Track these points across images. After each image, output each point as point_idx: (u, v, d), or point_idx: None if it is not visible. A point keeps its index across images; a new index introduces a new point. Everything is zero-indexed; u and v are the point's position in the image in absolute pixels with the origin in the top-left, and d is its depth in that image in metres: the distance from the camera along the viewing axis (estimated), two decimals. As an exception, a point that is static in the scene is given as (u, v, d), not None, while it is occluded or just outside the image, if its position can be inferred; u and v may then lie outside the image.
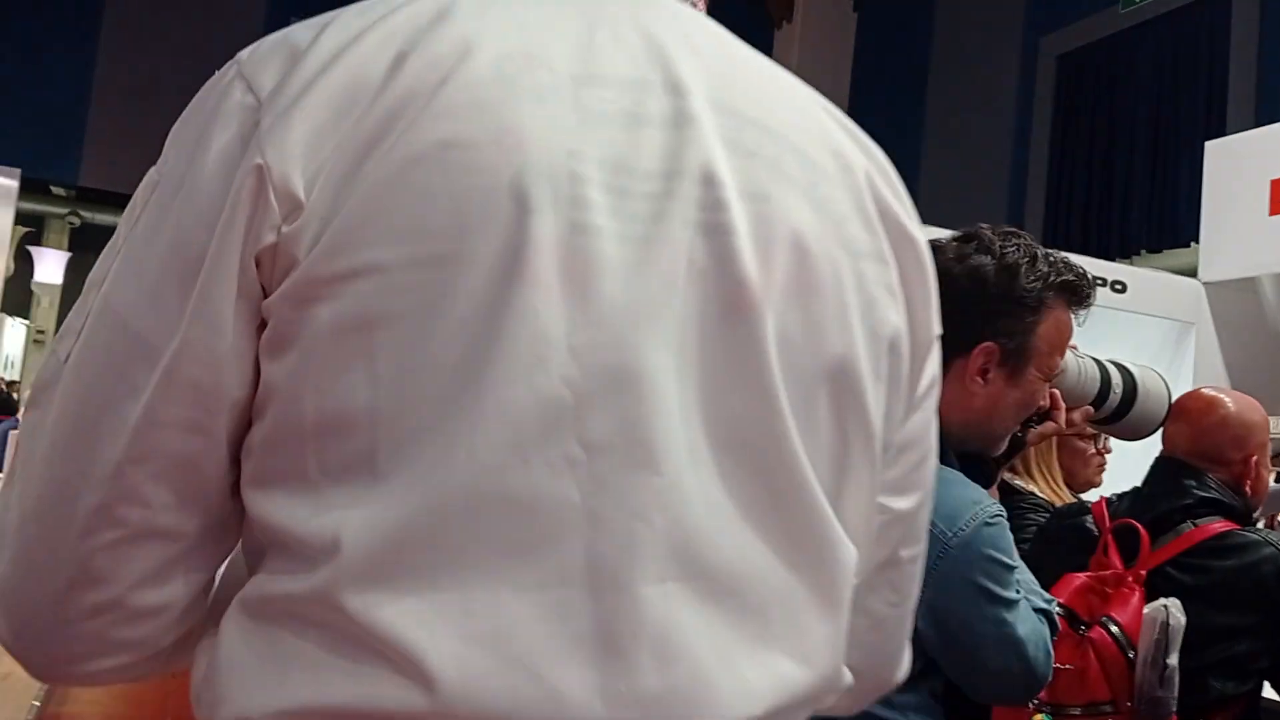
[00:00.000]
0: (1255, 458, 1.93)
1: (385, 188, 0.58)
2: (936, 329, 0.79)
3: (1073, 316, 1.40)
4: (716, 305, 0.63)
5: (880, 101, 9.83)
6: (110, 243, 0.66)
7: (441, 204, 0.59)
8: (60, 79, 9.34)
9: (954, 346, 1.31)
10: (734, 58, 0.74)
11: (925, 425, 0.79)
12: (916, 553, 0.81)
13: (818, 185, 0.69)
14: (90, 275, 0.67)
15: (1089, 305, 1.40)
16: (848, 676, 0.71)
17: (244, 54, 0.66)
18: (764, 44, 10.29)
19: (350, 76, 0.60)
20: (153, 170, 0.66)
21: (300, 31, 0.64)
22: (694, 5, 0.78)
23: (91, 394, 0.62)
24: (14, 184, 8.01)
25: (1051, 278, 1.36)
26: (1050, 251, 1.40)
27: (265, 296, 0.60)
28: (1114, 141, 7.36)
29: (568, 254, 0.60)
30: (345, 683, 0.57)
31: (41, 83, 9.25)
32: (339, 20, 0.64)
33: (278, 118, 0.60)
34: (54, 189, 10.65)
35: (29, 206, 8.40)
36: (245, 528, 0.66)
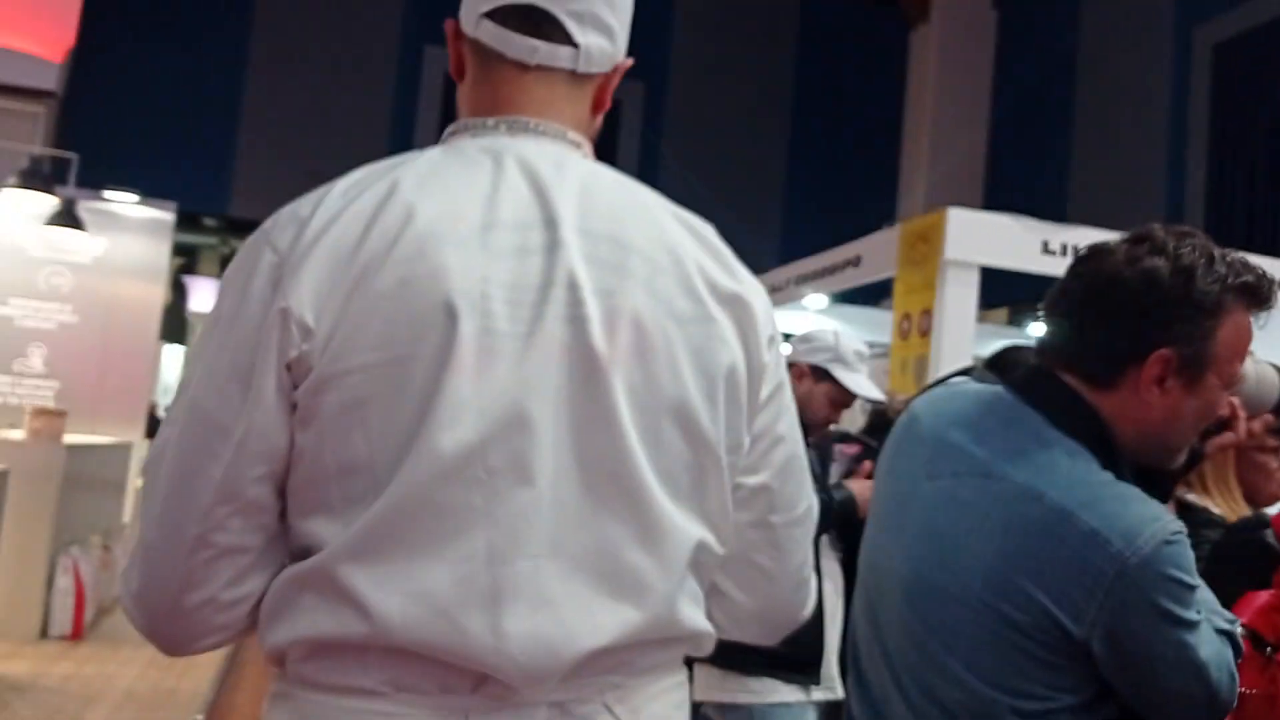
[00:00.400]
0: None
1: (365, 315, 0.91)
2: (766, 357, 1.06)
3: (1253, 320, 1.30)
4: (580, 371, 0.95)
5: (1025, 99, 9.53)
6: (189, 353, 0.95)
7: (400, 323, 0.92)
8: (211, 117, 9.82)
9: (1128, 355, 1.25)
10: (600, 189, 1.03)
11: (772, 420, 1.08)
12: (789, 519, 1.10)
13: (654, 278, 0.99)
14: (181, 378, 0.99)
15: (1270, 307, 1.30)
16: (696, 623, 1.01)
17: (268, 224, 0.98)
18: (899, 47, 10.11)
19: (335, 243, 0.93)
20: (214, 307, 0.97)
21: (303, 206, 0.97)
22: (578, 147, 1.08)
23: (189, 460, 0.94)
24: (170, 217, 8.45)
25: (1230, 279, 1.26)
26: (1227, 251, 1.30)
27: (295, 389, 0.93)
28: (1278, 132, 6.96)
29: (479, 348, 0.92)
30: (325, 620, 0.93)
31: (194, 121, 9.75)
32: (327, 200, 0.97)
33: (292, 271, 0.93)
34: (206, 220, 11.17)
35: (184, 238, 8.83)
36: (289, 539, 0.98)
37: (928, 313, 4.92)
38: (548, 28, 1.05)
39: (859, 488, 2.77)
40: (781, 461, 1.09)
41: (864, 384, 2.87)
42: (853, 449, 3.06)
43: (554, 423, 0.94)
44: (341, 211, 0.95)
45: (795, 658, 2.64)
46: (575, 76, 1.08)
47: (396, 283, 0.92)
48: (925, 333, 4.90)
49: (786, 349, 2.95)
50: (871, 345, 6.92)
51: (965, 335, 4.81)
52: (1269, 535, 1.83)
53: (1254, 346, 1.36)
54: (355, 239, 0.93)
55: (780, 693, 2.64)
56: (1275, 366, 1.73)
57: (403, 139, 10.25)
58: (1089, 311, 1.28)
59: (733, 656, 2.62)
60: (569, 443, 0.94)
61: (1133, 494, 1.23)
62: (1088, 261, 1.31)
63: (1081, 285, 1.29)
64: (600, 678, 0.97)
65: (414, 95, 10.34)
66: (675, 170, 10.89)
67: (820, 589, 2.72)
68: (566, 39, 1.06)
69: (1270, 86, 7.14)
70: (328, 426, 0.92)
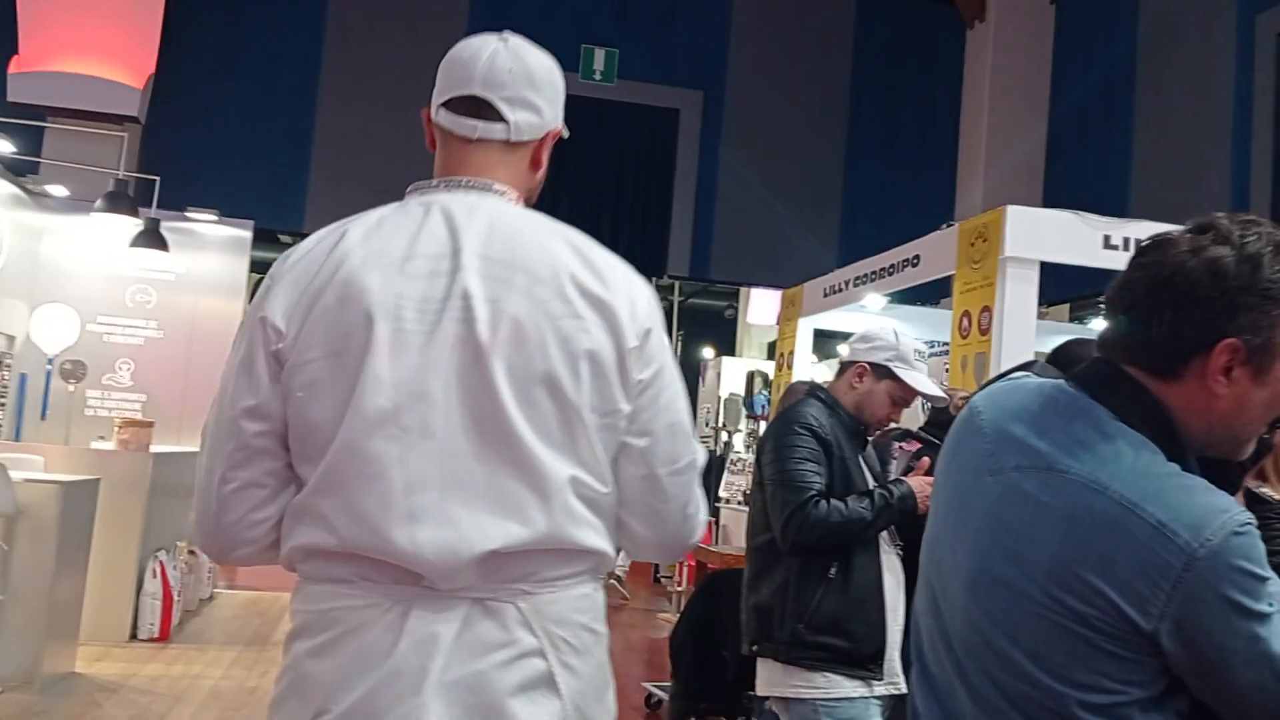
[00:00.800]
0: None
1: (315, 323, 1.35)
2: (633, 344, 1.40)
3: None
4: (468, 356, 1.34)
5: (1084, 94, 9.44)
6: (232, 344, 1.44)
7: (337, 328, 1.35)
8: (284, 138, 10.09)
9: (1193, 345, 1.24)
10: (502, 224, 1.42)
11: (653, 396, 1.44)
12: (672, 470, 1.46)
13: (533, 287, 1.37)
14: (224, 368, 1.43)
15: None
16: (587, 536, 1.39)
17: (278, 260, 1.45)
18: (956, 45, 10.08)
19: (299, 274, 1.39)
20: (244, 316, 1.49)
21: (291, 249, 1.44)
22: (502, 195, 1.48)
23: (220, 426, 1.41)
24: (248, 234, 8.73)
25: None
26: None
27: (281, 372, 1.37)
28: (1348, 119, 6.82)
29: (392, 343, 1.33)
30: (310, 535, 1.37)
31: (269, 142, 10.03)
32: (302, 244, 1.43)
33: (269, 291, 1.40)
34: (282, 237, 11.46)
35: (261, 254, 9.09)
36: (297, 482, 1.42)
37: (987, 310, 4.93)
38: (486, 111, 1.50)
39: (918, 484, 2.77)
40: (663, 427, 1.45)
41: (925, 382, 2.89)
42: (912, 446, 3.11)
43: (446, 393, 1.34)
44: (307, 252, 1.42)
45: (858, 652, 2.68)
46: (509, 144, 1.51)
47: (336, 301, 1.36)
48: (985, 330, 4.92)
49: (845, 349, 3.01)
50: (930, 344, 6.92)
51: (1026, 332, 4.81)
52: None
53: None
54: (313, 271, 1.39)
55: (844, 687, 2.67)
56: None
57: (466, 152, 10.44)
58: (1152, 303, 1.26)
59: (796, 652, 2.68)
60: (459, 406, 1.35)
61: (1199, 485, 1.21)
62: (1150, 252, 1.29)
63: (1144, 276, 1.28)
64: (511, 585, 1.36)
65: (476, 109, 10.54)
66: (735, 173, 10.96)
67: (881, 584, 2.75)
68: (500, 118, 1.50)
69: (1338, 74, 7.01)
70: (296, 400, 1.37)
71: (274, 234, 11.20)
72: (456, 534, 1.32)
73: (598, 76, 10.64)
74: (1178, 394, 1.27)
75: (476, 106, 1.50)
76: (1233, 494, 1.35)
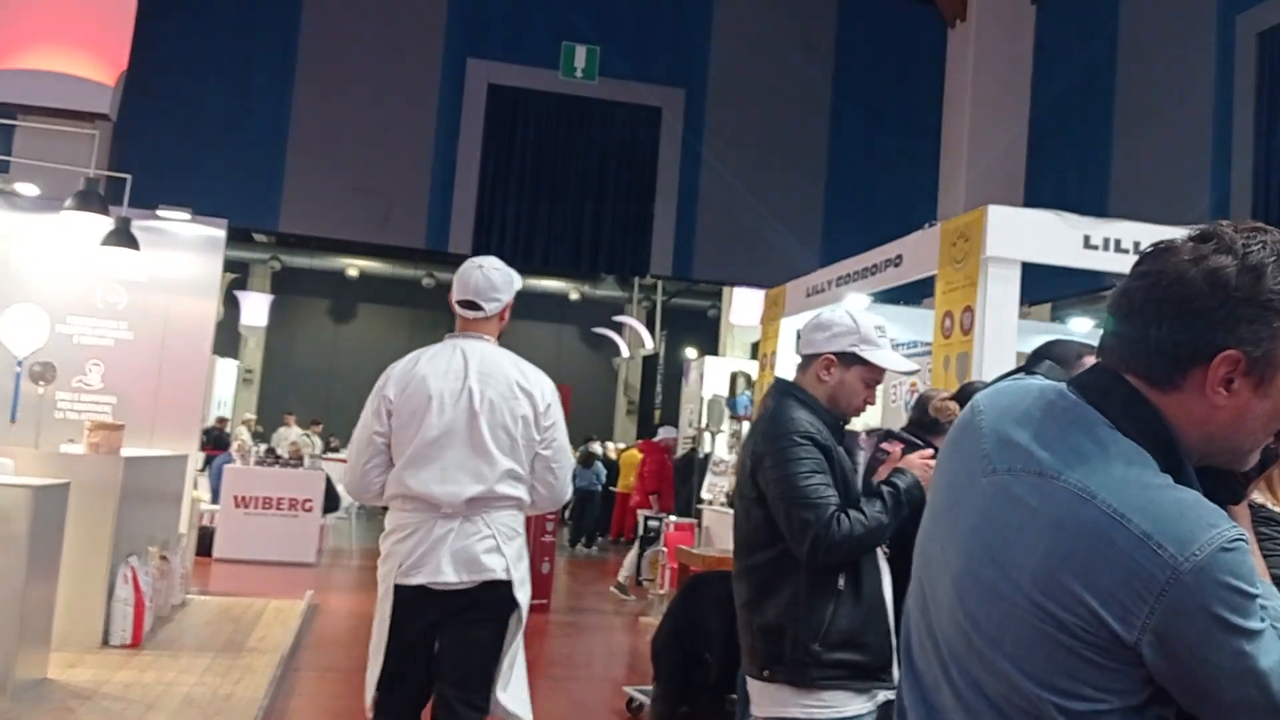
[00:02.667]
0: None
1: (405, 399, 3.31)
2: (542, 409, 3.35)
3: None
4: (470, 416, 3.28)
5: (1065, 94, 9.44)
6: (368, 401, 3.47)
7: (415, 402, 3.30)
8: (259, 136, 9.99)
9: (1193, 356, 1.22)
10: (486, 357, 3.34)
11: (551, 434, 3.37)
12: (558, 464, 3.38)
13: (499, 385, 3.31)
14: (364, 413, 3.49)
15: None
16: (513, 491, 3.30)
17: (391, 366, 3.55)
18: (938, 44, 10.07)
19: (399, 376, 3.37)
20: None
21: (395, 364, 3.44)
22: (487, 340, 3.38)
23: (361, 438, 3.39)
24: (222, 234, 8.62)
25: None
26: None
27: (390, 417, 3.37)
28: (1328, 119, 6.83)
29: (437, 409, 3.29)
30: (397, 487, 3.33)
31: (243, 140, 9.93)
32: (400, 362, 3.43)
33: (387, 381, 3.40)
34: (256, 236, 11.36)
35: (235, 254, 8.98)
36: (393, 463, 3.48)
37: (969, 310, 4.90)
38: (477, 303, 3.38)
39: (919, 468, 2.71)
40: (554, 447, 3.35)
41: (894, 358, 2.79)
42: (895, 447, 3.02)
43: (460, 432, 3.24)
44: (402, 366, 3.38)
45: (872, 665, 2.59)
46: (488, 316, 3.39)
47: (414, 390, 3.28)
48: (967, 330, 4.89)
49: (800, 339, 2.88)
50: (913, 344, 6.88)
51: (1007, 332, 4.79)
52: None
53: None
54: (405, 375, 3.32)
55: (852, 706, 2.57)
56: None
57: (446, 153, 10.37)
58: (1152, 311, 1.25)
59: (812, 674, 2.56)
60: (464, 437, 3.25)
61: (1190, 499, 1.20)
62: (1151, 260, 1.27)
63: (1144, 285, 1.26)
64: (479, 510, 3.25)
65: (457, 109, 10.45)
66: (717, 172, 10.92)
67: (883, 589, 2.67)
68: (482, 308, 3.38)
69: (1318, 74, 7.01)
70: (396, 432, 3.30)
71: (248, 233, 11.10)
72: (457, 488, 3.23)
73: (579, 74, 10.58)
74: (1177, 404, 1.25)
75: (473, 303, 3.38)
76: (1237, 503, 1.32)
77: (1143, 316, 1.26)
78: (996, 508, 1.29)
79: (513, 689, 3.34)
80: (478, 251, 10.91)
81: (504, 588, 3.23)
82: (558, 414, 3.34)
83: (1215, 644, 1.15)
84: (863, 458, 2.93)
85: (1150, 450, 1.23)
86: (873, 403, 2.83)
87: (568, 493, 3.39)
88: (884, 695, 2.60)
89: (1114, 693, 1.20)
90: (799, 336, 2.90)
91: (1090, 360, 1.42)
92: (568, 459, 3.37)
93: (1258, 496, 2.05)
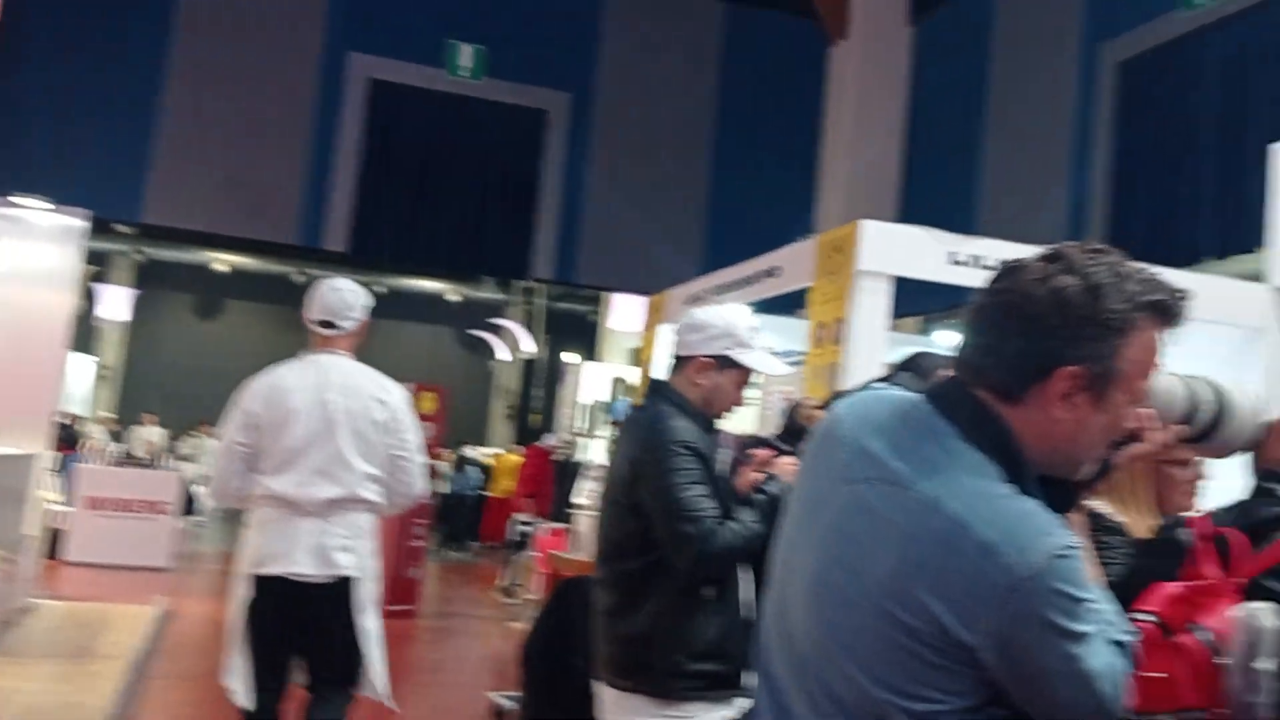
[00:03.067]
0: None
1: (269, 411, 3.42)
2: (398, 417, 3.51)
3: (1163, 336, 1.31)
4: (328, 424, 3.41)
5: (940, 115, 9.75)
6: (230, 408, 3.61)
7: (277, 413, 3.41)
8: (125, 123, 9.60)
9: (1037, 371, 1.27)
10: (342, 369, 3.48)
11: (404, 438, 3.51)
12: (407, 463, 3.51)
13: (357, 395, 3.46)
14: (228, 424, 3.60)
15: (1179, 324, 1.32)
16: (366, 494, 3.42)
17: (249, 382, 3.64)
18: (818, 60, 10.27)
19: (260, 388, 3.49)
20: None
21: (253, 379, 3.57)
22: (343, 355, 3.52)
23: (224, 447, 3.57)
24: (82, 224, 8.24)
25: (1141, 297, 1.27)
26: (1143, 268, 1.31)
27: (254, 429, 3.53)
28: (1179, 148, 7.22)
29: (301, 419, 3.40)
30: (261, 489, 3.44)
31: (108, 127, 9.52)
32: (259, 377, 3.53)
33: (246, 399, 3.48)
34: (119, 227, 10.91)
35: (95, 245, 8.59)
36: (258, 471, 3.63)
37: (841, 321, 5.00)
38: (333, 322, 3.49)
39: (788, 474, 2.64)
40: (407, 450, 3.50)
41: (769, 361, 2.76)
42: (765, 453, 3.02)
43: (320, 437, 3.37)
44: (261, 381, 3.47)
45: (735, 674, 2.53)
46: (345, 332, 3.50)
47: (276, 403, 3.39)
48: (838, 341, 4.99)
49: (673, 338, 2.78)
50: (788, 353, 7.01)
51: (876, 343, 4.90)
52: (1181, 533, 1.91)
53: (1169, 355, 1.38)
54: (266, 388, 3.43)
55: (707, 716, 2.52)
56: (1184, 378, 1.79)
57: (323, 147, 10.14)
58: (1001, 327, 1.30)
59: (676, 684, 2.51)
60: (322, 445, 3.37)
61: (1030, 509, 1.25)
62: (1003, 278, 1.32)
63: (996, 302, 1.31)
64: (335, 512, 3.37)
65: (336, 103, 10.23)
66: (601, 178, 10.94)
67: (747, 597, 2.66)
68: (336, 325, 3.49)
69: (1171, 103, 7.40)
70: (259, 442, 3.38)
71: (110, 224, 10.65)
72: (316, 490, 3.34)
73: (464, 73, 10.46)
74: (1022, 417, 1.30)
75: (328, 323, 3.50)
76: (1070, 511, 1.38)
77: (993, 332, 1.31)
78: (852, 516, 1.32)
79: (377, 673, 3.54)
80: (353, 248, 10.68)
81: (355, 584, 3.44)
82: (411, 421, 3.64)
83: (1048, 647, 1.21)
84: (725, 456, 2.92)
85: (996, 461, 1.28)
86: (740, 403, 2.79)
87: (421, 491, 3.68)
88: (741, 702, 2.51)
89: (955, 694, 1.24)
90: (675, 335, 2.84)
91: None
92: (420, 461, 3.62)
93: (1101, 506, 2.15)
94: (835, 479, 1.37)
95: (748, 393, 2.84)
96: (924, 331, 9.28)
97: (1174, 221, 7.11)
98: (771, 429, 4.67)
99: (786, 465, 2.75)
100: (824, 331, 5.22)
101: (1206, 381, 1.74)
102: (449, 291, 22.11)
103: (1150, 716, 1.66)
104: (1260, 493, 1.92)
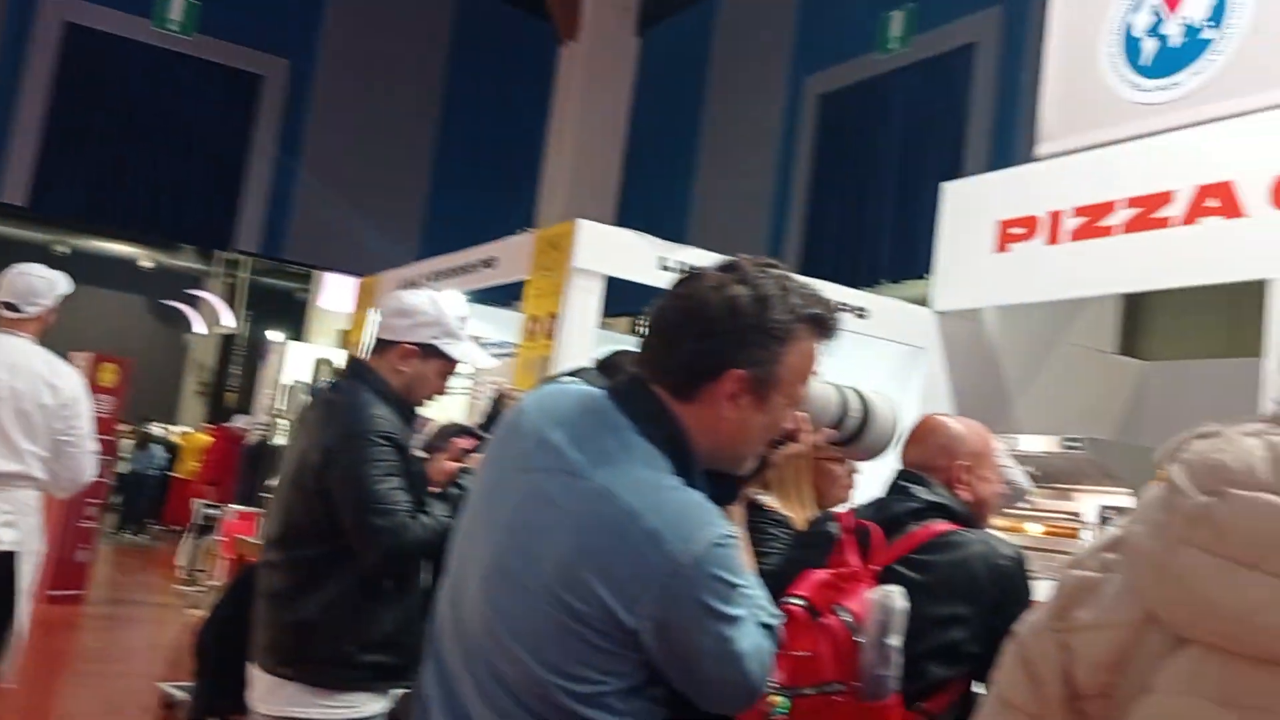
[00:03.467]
0: (963, 464, 2.14)
1: None
2: (65, 400, 3.59)
3: (820, 346, 1.46)
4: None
5: (658, 125, 10.11)
6: None
7: None
8: None
9: (707, 372, 1.38)
10: (21, 349, 3.60)
11: (73, 423, 3.64)
12: (77, 449, 3.66)
13: (25, 376, 3.56)
14: None
15: (834, 337, 1.46)
16: (31, 470, 3.54)
17: None
18: (548, 58, 10.40)
19: None
20: None
21: None
22: (21, 336, 3.64)
23: None
24: None
25: (801, 310, 1.41)
26: (806, 283, 1.45)
27: None
28: (866, 178, 7.86)
29: None
30: None
31: None
32: None
33: None
34: None
35: None
36: None
37: (554, 316, 5.13)
38: (17, 305, 3.62)
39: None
40: (75, 435, 3.62)
41: (476, 353, 2.76)
42: (466, 442, 3.03)
43: None
44: None
45: (406, 667, 2.42)
46: (29, 317, 3.66)
47: None
48: (550, 335, 5.12)
49: (375, 320, 2.77)
50: (502, 344, 7.08)
51: (586, 340, 5.06)
52: (831, 526, 2.12)
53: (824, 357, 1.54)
54: None
55: (372, 706, 2.46)
56: (837, 386, 2.00)
57: (6, 88, 9.23)
58: (678, 330, 1.40)
59: (339, 673, 2.43)
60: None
61: (694, 500, 1.34)
62: (684, 284, 1.43)
63: (675, 306, 1.41)
64: (5, 487, 3.49)
65: (23, 44, 9.32)
66: (318, 153, 10.57)
67: (424, 590, 2.64)
68: (20, 309, 3.61)
69: (862, 137, 8.05)
70: None
71: None
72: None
73: (173, 26, 9.80)
74: (693, 414, 1.41)
75: (12, 306, 3.61)
76: (732, 502, 1.51)
77: (670, 334, 1.42)
78: (529, 504, 1.38)
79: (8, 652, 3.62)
80: (34, 202, 9.78)
81: (17, 559, 3.52)
82: (84, 408, 3.72)
83: (703, 629, 1.31)
84: (418, 439, 2.92)
85: (667, 454, 1.38)
86: (443, 393, 2.77)
87: (89, 478, 3.75)
88: (397, 692, 2.52)
89: (616, 675, 1.32)
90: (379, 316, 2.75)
91: None
92: (90, 449, 3.72)
93: (768, 499, 2.37)
94: (516, 469, 1.42)
95: (460, 381, 2.86)
96: (633, 331, 9.61)
97: (859, 245, 7.74)
98: (478, 417, 4.71)
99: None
100: (537, 325, 5.32)
101: (856, 391, 1.95)
102: (142, 257, 20.52)
103: (796, 690, 1.83)
104: (895, 490, 2.18)
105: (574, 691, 1.31)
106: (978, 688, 1.99)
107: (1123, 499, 3.50)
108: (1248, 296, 3.73)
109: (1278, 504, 0.81)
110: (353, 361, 2.74)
